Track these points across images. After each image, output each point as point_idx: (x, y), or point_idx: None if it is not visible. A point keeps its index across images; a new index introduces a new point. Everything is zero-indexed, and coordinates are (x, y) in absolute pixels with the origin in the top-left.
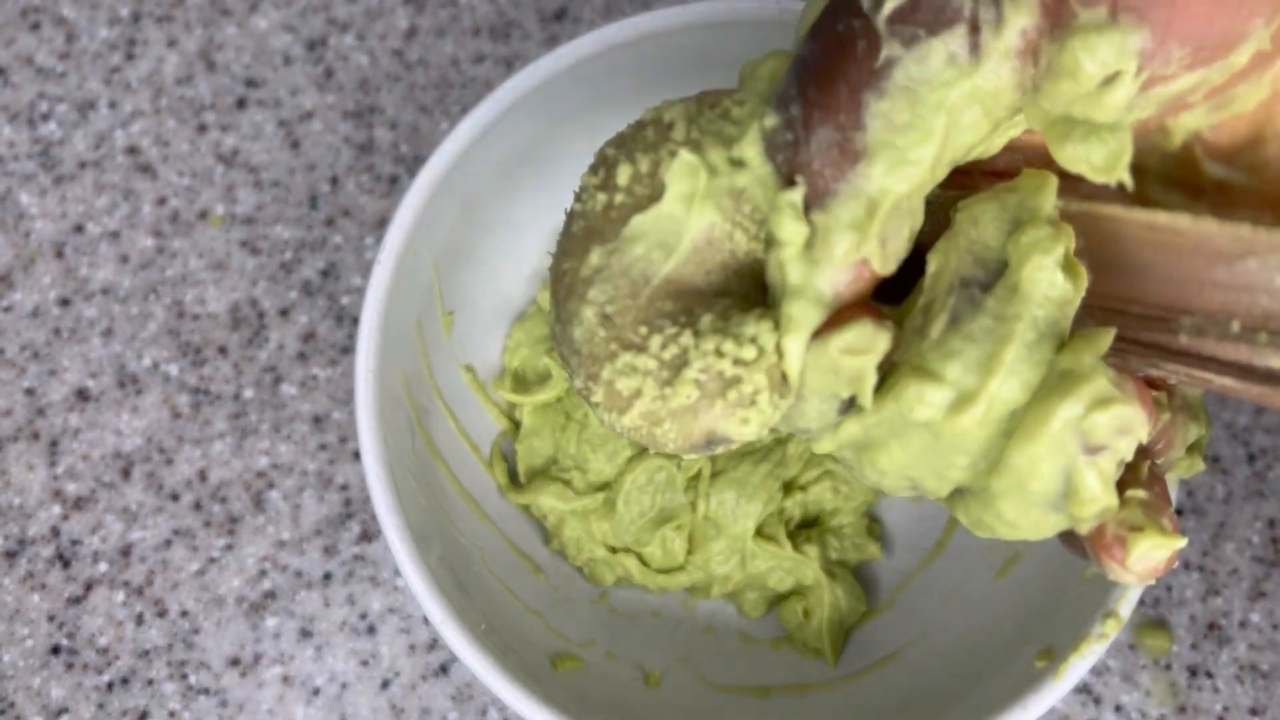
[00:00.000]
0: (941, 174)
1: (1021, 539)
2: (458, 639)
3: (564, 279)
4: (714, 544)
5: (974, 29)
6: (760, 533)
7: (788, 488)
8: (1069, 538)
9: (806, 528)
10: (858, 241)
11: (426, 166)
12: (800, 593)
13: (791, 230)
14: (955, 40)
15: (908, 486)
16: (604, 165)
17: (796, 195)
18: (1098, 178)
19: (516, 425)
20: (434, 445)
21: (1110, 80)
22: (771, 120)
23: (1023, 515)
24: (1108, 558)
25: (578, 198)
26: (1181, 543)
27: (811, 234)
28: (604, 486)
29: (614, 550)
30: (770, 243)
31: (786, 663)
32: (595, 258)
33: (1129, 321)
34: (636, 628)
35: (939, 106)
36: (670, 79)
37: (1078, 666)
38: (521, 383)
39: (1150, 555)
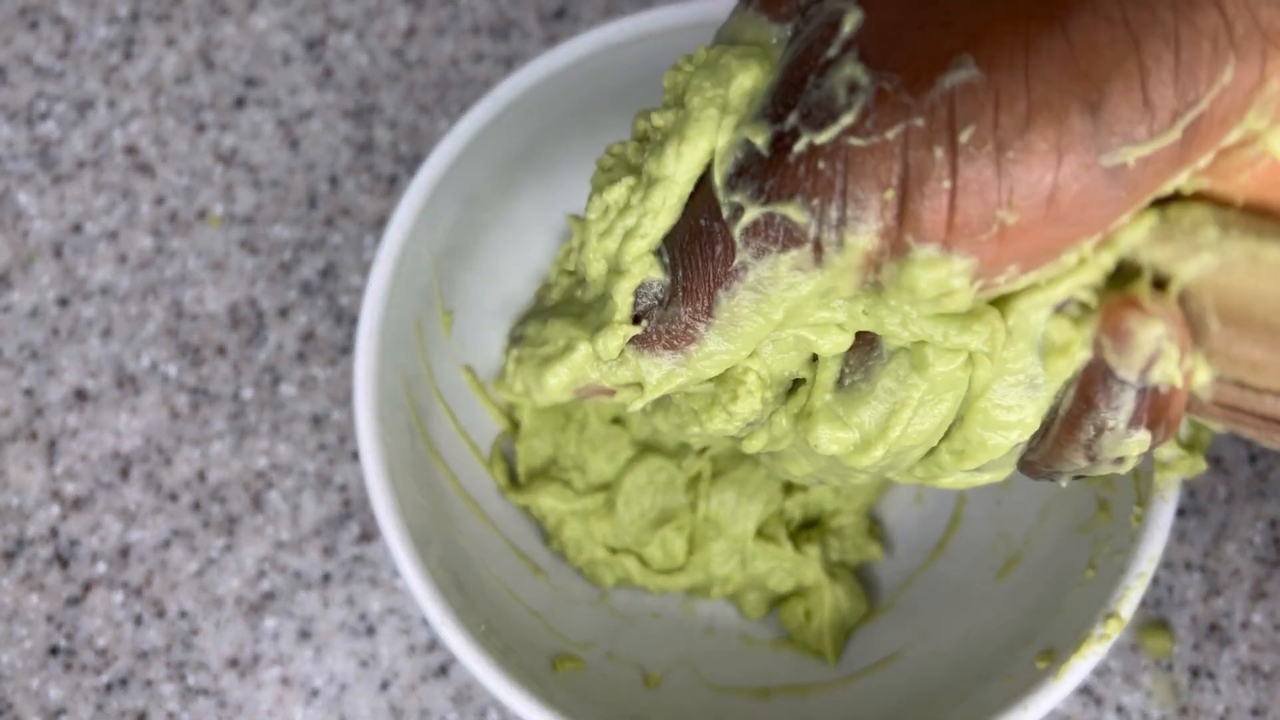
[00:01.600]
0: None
1: (988, 459)
2: (457, 640)
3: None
4: (714, 545)
5: (818, 249)
6: (761, 533)
7: (788, 488)
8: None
9: (807, 528)
10: (633, 394)
11: (425, 166)
12: (801, 593)
13: (608, 347)
14: (802, 257)
15: (815, 482)
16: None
17: (634, 333)
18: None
19: (516, 426)
20: (433, 446)
21: (946, 293)
22: (657, 275)
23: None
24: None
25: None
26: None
27: (617, 359)
28: (604, 487)
29: (614, 551)
30: (587, 323)
31: (787, 663)
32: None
33: (1247, 395)
34: (637, 628)
35: (780, 303)
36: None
37: (1079, 667)
38: None
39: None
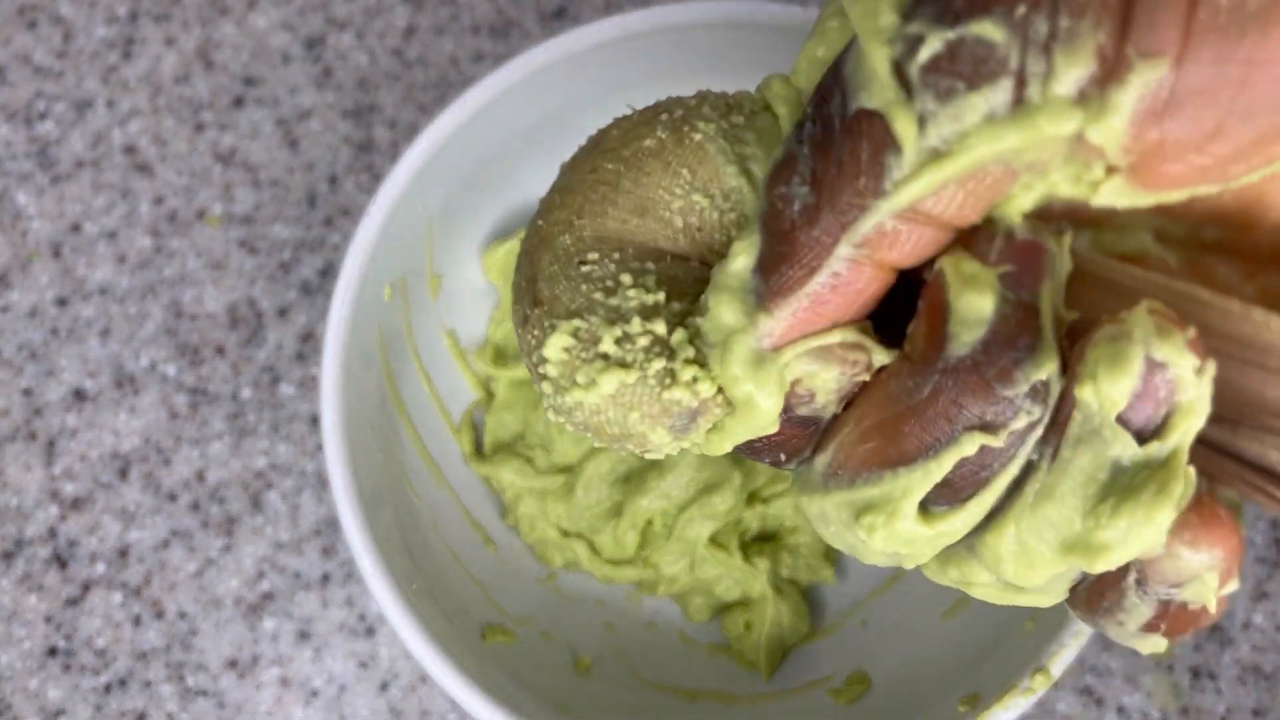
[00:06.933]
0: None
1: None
2: (384, 591)
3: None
4: (666, 543)
5: (1020, 83)
6: (714, 540)
7: (750, 498)
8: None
9: (763, 541)
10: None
11: (433, 125)
12: (745, 604)
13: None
14: (996, 96)
15: (886, 561)
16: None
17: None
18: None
19: (491, 396)
20: (403, 405)
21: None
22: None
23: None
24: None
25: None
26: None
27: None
28: (566, 469)
29: (566, 534)
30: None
31: (720, 670)
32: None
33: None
34: (578, 612)
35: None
36: (682, 74)
37: (999, 717)
38: (501, 356)
39: None
